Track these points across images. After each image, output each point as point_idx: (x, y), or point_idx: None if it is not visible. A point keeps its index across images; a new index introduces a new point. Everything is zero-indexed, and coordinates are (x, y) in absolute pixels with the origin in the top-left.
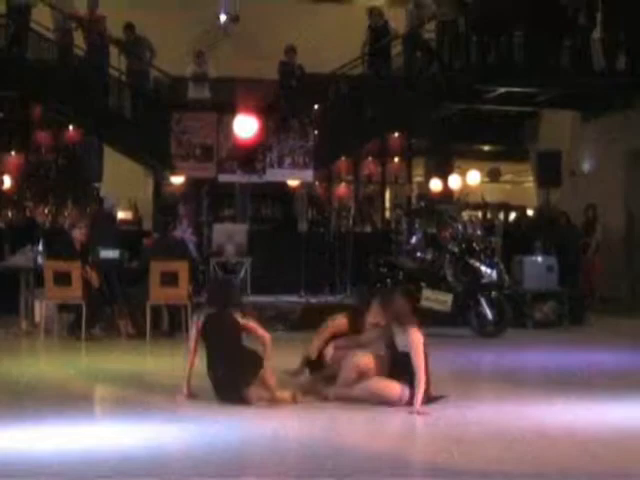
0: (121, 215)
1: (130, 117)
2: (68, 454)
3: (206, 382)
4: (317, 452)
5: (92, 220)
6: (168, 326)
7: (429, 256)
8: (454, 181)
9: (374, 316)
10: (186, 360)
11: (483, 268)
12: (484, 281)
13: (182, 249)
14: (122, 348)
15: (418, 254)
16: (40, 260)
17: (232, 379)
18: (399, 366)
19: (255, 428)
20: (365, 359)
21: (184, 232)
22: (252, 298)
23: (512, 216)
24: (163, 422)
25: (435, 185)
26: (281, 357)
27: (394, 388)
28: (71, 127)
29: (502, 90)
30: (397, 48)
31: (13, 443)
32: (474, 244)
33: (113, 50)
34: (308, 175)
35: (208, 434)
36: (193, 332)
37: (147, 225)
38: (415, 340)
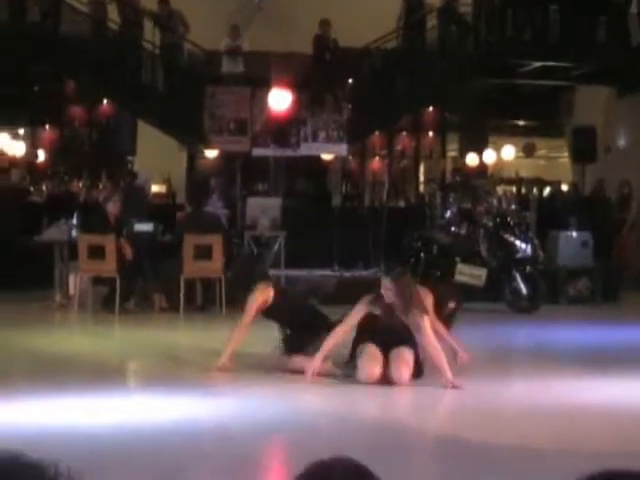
0: (155, 189)
1: (164, 91)
2: (102, 427)
3: (244, 359)
4: (352, 427)
5: (125, 194)
6: (202, 300)
7: (463, 231)
8: (488, 156)
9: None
10: (231, 333)
11: (518, 243)
12: (518, 256)
13: (216, 223)
14: (155, 322)
15: (452, 229)
16: (74, 233)
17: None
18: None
19: (292, 403)
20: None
21: (214, 205)
22: (285, 272)
23: (546, 191)
24: (197, 396)
25: (469, 160)
26: None
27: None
28: (105, 101)
29: (537, 64)
30: (432, 22)
31: (49, 416)
32: (509, 219)
33: (147, 24)
34: (342, 149)
35: (243, 408)
36: (252, 308)
37: (181, 199)
38: (422, 325)
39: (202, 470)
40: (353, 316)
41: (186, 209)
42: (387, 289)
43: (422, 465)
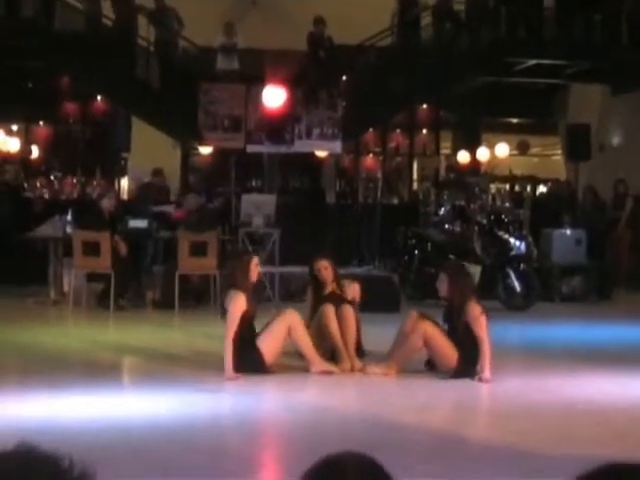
0: None
1: (158, 88)
2: (96, 424)
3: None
4: (354, 425)
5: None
6: (197, 296)
7: (457, 228)
8: (482, 153)
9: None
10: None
11: (511, 240)
12: (512, 253)
13: (212, 219)
14: (150, 319)
15: (446, 226)
16: (69, 229)
17: None
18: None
19: (279, 401)
20: (431, 328)
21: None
22: (280, 269)
23: (540, 189)
24: (191, 392)
25: (463, 157)
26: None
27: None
28: (99, 98)
29: (531, 62)
30: (427, 19)
31: (43, 412)
32: (502, 216)
33: (141, 20)
34: (336, 146)
35: (239, 405)
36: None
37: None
38: (477, 313)
39: (195, 467)
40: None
41: (182, 206)
42: (442, 281)
43: (416, 462)
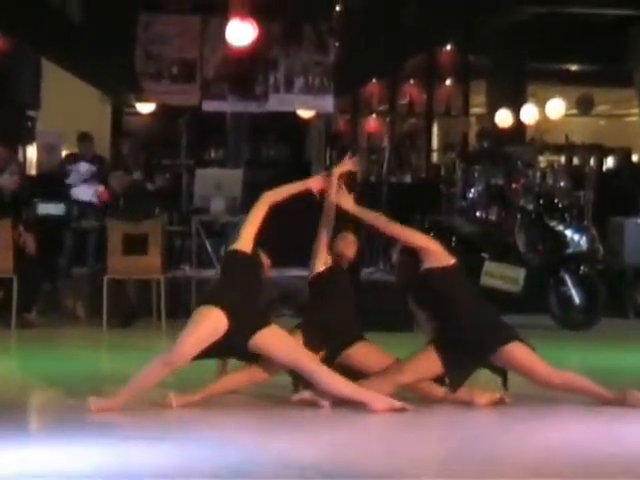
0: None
1: (80, 21)
2: None
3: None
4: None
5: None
6: (133, 308)
7: (493, 216)
8: (528, 113)
9: None
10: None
11: (568, 233)
12: (569, 251)
13: (150, 203)
14: (69, 339)
15: (477, 213)
16: None
17: None
18: None
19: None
20: None
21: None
22: None
23: (609, 162)
24: (122, 441)
25: (502, 119)
26: None
27: None
28: None
29: None
30: None
31: None
32: (556, 200)
33: None
34: (326, 103)
35: (186, 457)
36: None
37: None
38: None
39: None
40: None
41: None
42: None
43: None
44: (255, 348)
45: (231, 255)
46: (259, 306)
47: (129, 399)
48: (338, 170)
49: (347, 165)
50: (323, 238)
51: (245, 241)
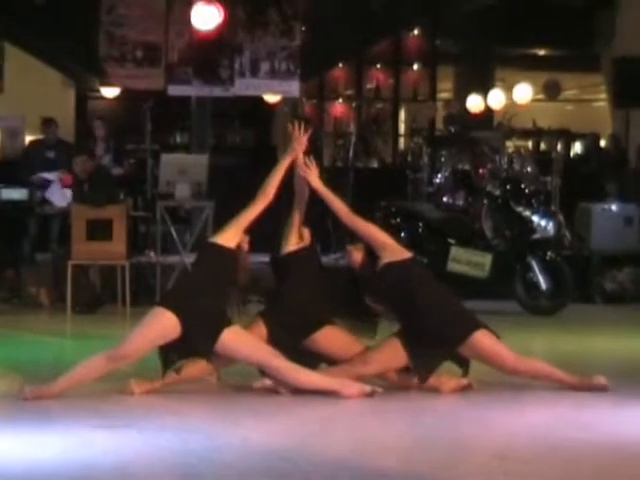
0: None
1: (42, 3)
2: None
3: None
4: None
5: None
6: (98, 295)
7: (460, 202)
8: (496, 98)
9: None
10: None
11: (535, 219)
12: (536, 237)
13: (113, 188)
14: (33, 325)
15: (444, 199)
16: None
17: None
18: None
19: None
20: None
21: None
22: None
23: (576, 147)
24: (88, 430)
25: (469, 104)
26: None
27: None
28: None
29: None
30: None
31: None
32: (522, 185)
33: None
34: (292, 88)
35: (149, 445)
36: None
37: None
38: None
39: None
40: None
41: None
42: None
43: None
44: (220, 350)
45: (209, 247)
46: (222, 307)
47: (66, 389)
48: (299, 146)
49: (303, 139)
50: (297, 217)
51: (230, 235)
